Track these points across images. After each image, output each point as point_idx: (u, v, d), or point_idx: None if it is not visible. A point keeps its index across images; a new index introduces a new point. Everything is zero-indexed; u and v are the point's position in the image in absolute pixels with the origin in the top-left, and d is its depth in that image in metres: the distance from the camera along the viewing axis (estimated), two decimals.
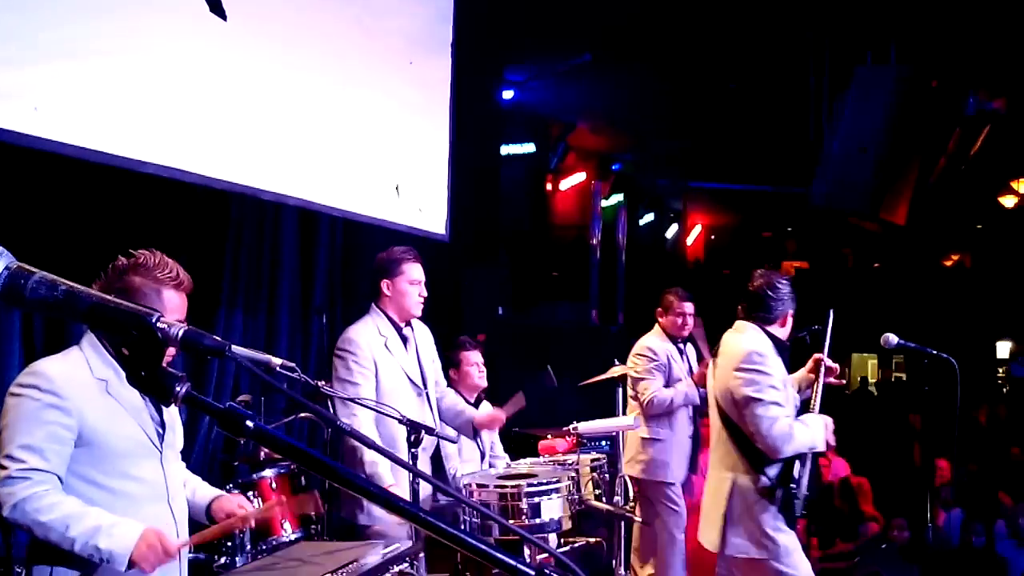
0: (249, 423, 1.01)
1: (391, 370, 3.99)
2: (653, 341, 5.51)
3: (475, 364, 4.98)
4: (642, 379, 5.32)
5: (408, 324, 4.16)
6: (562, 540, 4.36)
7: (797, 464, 3.54)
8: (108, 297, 1.03)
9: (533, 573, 0.98)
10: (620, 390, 4.65)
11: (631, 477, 5.38)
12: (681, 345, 5.56)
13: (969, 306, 18.10)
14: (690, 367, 5.55)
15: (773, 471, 3.51)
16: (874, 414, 11.66)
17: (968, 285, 19.23)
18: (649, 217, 16.28)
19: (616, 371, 4.59)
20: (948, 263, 20.92)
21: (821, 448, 3.62)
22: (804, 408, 3.79)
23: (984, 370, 19.16)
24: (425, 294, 4.11)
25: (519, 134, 11.66)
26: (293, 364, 2.64)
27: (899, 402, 12.13)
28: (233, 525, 2.72)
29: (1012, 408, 12.85)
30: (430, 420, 4.09)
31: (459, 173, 6.78)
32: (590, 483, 4.10)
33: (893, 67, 8.22)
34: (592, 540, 4.76)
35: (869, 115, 7.94)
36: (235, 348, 2.66)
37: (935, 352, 3.71)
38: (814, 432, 3.55)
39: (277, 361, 2.67)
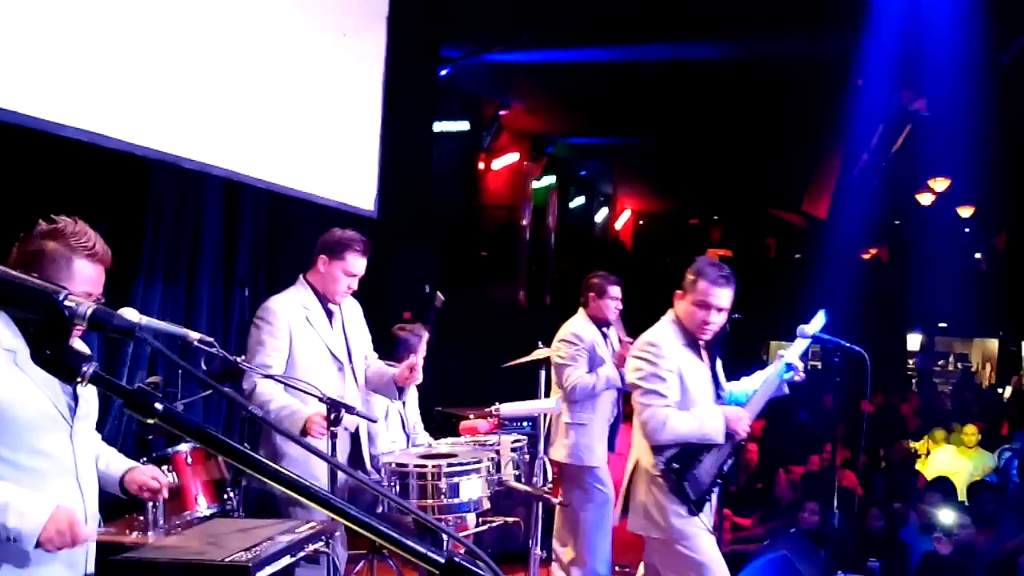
0: (158, 405, 0.99)
1: (310, 344, 3.91)
2: (580, 327, 5.42)
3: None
4: (566, 366, 5.27)
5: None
6: (480, 520, 4.39)
7: (702, 452, 3.57)
8: (13, 272, 1.00)
9: (443, 560, 0.99)
10: (543, 372, 4.65)
11: (555, 461, 5.41)
12: (605, 329, 5.52)
13: (884, 299, 18.68)
14: (613, 350, 5.52)
15: (667, 454, 3.56)
16: (790, 402, 11.92)
17: (884, 278, 19.83)
18: (580, 200, 16.41)
19: (539, 353, 4.61)
20: (866, 256, 21.56)
21: (718, 440, 3.61)
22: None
23: (896, 361, 19.85)
24: (355, 288, 4.04)
25: (453, 111, 11.58)
26: (211, 339, 2.59)
27: (814, 390, 12.45)
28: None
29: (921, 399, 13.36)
30: (352, 397, 4.01)
31: (390, 149, 6.71)
32: (510, 464, 4.14)
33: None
34: (510, 520, 4.81)
35: None
36: (149, 322, 2.61)
37: (847, 344, 3.80)
38: (706, 424, 3.56)
39: (195, 335, 2.62)
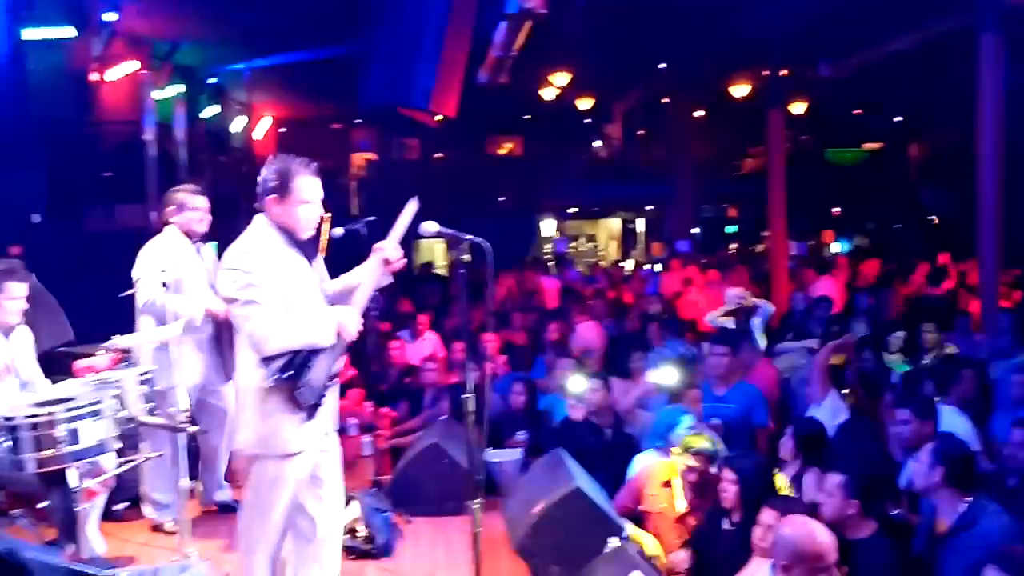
0: None
1: None
2: (167, 244, 4.89)
3: (17, 298, 4.32)
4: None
5: None
6: (123, 460, 4.12)
7: (310, 357, 3.46)
8: None
9: None
10: None
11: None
12: (197, 244, 5.01)
13: (520, 189, 19.96)
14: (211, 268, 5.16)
15: (275, 365, 3.41)
16: (440, 295, 12.38)
17: (520, 170, 21.15)
18: (213, 110, 15.51)
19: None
20: (502, 151, 22.80)
21: (327, 343, 3.50)
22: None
23: (534, 247, 21.45)
24: None
25: (52, 15, 10.34)
26: None
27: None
28: None
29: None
30: None
31: None
32: (139, 398, 3.89)
33: None
34: (153, 455, 4.55)
35: (421, 10, 8.17)
36: None
37: (469, 237, 3.89)
38: (314, 327, 3.48)
39: None
